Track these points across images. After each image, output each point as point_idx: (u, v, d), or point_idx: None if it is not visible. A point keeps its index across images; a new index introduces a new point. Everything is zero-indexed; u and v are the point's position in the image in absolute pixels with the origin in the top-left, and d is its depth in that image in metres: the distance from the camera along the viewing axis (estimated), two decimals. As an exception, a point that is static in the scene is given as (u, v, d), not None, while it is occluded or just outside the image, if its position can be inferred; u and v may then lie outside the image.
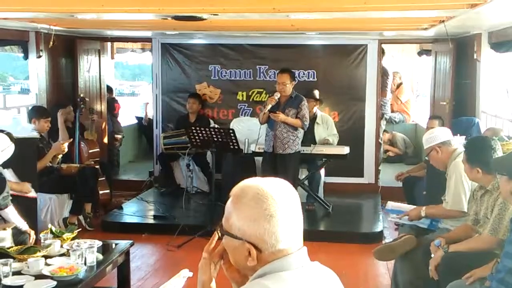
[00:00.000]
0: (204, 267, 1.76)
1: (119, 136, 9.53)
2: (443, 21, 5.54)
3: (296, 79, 6.69)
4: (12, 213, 4.42)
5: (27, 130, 6.31)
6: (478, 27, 6.43)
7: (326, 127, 7.43)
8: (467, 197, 4.10)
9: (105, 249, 4.32)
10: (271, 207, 1.55)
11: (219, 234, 1.66)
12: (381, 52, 8.40)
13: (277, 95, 6.30)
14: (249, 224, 1.56)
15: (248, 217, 1.56)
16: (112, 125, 9.50)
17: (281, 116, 6.27)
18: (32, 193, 5.20)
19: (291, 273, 1.55)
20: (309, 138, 7.08)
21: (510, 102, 6.42)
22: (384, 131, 9.71)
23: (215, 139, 6.40)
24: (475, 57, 6.82)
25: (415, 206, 4.69)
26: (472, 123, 6.57)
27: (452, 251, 3.74)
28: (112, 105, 9.62)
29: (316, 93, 7.45)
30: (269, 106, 6.29)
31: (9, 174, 5.06)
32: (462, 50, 7.37)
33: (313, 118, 7.22)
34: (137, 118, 10.77)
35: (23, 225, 4.46)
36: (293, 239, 1.59)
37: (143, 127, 10.29)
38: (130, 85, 16.07)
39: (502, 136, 5.42)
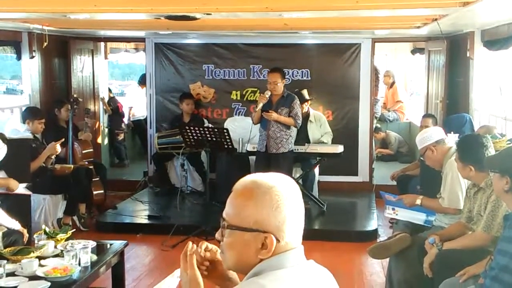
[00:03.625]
0: (190, 264, 1.75)
1: (120, 132, 9.74)
2: (435, 19, 5.55)
3: (286, 77, 6.68)
4: (1, 217, 4.40)
5: (21, 131, 6.30)
6: (471, 25, 6.45)
7: (319, 125, 7.44)
8: (464, 195, 4.11)
9: (99, 250, 4.31)
10: (285, 194, 1.58)
11: (224, 229, 1.64)
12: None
13: (267, 93, 6.31)
14: (269, 213, 1.56)
15: (267, 205, 1.56)
16: (113, 124, 9.62)
17: (274, 115, 6.27)
18: (22, 190, 5.17)
19: (287, 272, 1.55)
20: (302, 136, 7.09)
21: (503, 99, 6.44)
22: (377, 128, 9.74)
23: (209, 138, 6.39)
24: (468, 55, 6.83)
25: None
26: (464, 120, 6.56)
27: (446, 249, 3.76)
28: (115, 104, 9.78)
29: (305, 93, 7.37)
30: (260, 105, 6.29)
31: (1, 176, 5.05)
32: (455, 48, 7.38)
33: (306, 117, 7.22)
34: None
35: (15, 225, 4.44)
36: (297, 234, 1.61)
37: (137, 127, 10.29)
38: (119, 85, 15.99)
39: (495, 134, 5.44)
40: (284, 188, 1.59)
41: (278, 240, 1.56)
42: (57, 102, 7.17)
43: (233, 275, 1.81)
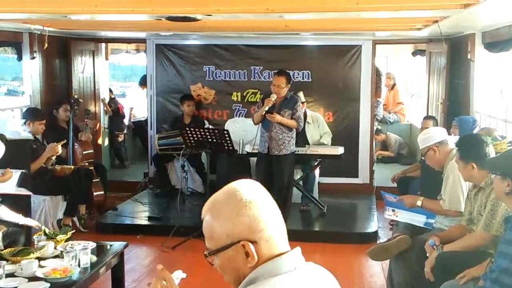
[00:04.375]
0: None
1: (120, 133, 9.74)
2: (436, 21, 5.55)
3: (291, 81, 6.66)
4: (4, 213, 4.40)
5: (21, 134, 6.30)
6: (471, 27, 6.45)
7: (317, 125, 7.43)
8: (465, 197, 4.11)
9: (99, 251, 4.31)
10: (245, 195, 1.56)
11: (211, 262, 1.63)
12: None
13: (273, 97, 6.27)
14: (234, 220, 1.55)
15: (229, 214, 1.55)
16: (113, 125, 9.63)
17: (278, 117, 6.26)
18: (15, 189, 5.17)
19: (284, 278, 1.52)
20: (301, 138, 7.06)
21: (504, 102, 6.44)
22: (378, 130, 9.73)
23: (210, 140, 6.39)
24: (469, 57, 6.83)
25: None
26: (475, 122, 6.53)
27: (446, 251, 3.75)
28: (116, 105, 9.81)
29: (301, 95, 7.24)
30: (266, 108, 6.27)
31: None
32: (456, 50, 7.38)
33: (303, 119, 7.18)
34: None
35: (20, 220, 4.45)
36: (277, 230, 1.58)
37: (137, 128, 10.30)
38: (121, 86, 16.01)
39: (496, 136, 5.44)
40: (244, 192, 1.58)
41: (255, 242, 1.54)
42: (55, 103, 7.18)
43: None
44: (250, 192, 1.58)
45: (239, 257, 1.55)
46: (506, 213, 3.39)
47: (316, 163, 7.26)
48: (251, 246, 1.53)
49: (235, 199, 1.56)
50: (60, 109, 7.04)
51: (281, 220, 1.62)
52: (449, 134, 6.01)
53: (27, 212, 5.53)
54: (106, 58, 9.84)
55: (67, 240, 4.32)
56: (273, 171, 6.30)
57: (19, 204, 5.20)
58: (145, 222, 6.87)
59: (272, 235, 1.56)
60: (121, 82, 17.98)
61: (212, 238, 1.59)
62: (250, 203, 1.55)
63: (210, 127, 7.62)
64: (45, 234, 4.31)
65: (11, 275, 3.74)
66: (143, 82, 9.83)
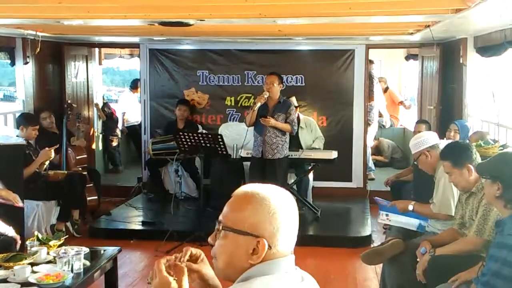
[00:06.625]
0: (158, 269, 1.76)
1: (114, 138, 9.74)
2: (428, 26, 5.59)
3: (284, 83, 6.69)
4: None
5: (12, 137, 6.28)
6: (463, 31, 6.48)
7: (310, 130, 7.46)
8: (455, 201, 4.12)
9: (92, 256, 4.29)
10: (281, 208, 1.61)
11: (218, 231, 1.65)
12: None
13: (265, 94, 6.33)
14: (266, 219, 1.58)
15: (266, 212, 1.59)
16: (107, 130, 9.62)
17: (272, 121, 6.29)
18: (19, 203, 5.14)
19: (275, 278, 1.56)
20: (294, 143, 7.07)
21: (496, 105, 6.47)
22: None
23: (203, 144, 6.40)
24: (461, 61, 6.86)
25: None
26: (469, 128, 6.54)
27: (438, 254, 3.76)
28: (110, 110, 9.83)
29: (294, 100, 7.24)
30: (258, 104, 6.30)
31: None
32: (448, 54, 7.42)
33: (297, 123, 7.20)
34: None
35: (9, 231, 4.43)
36: (289, 244, 1.63)
37: (131, 133, 10.29)
38: (119, 91, 16.04)
39: (488, 140, 5.46)
40: (281, 200, 1.62)
41: (269, 247, 1.58)
42: (42, 110, 7.17)
43: (215, 281, 1.81)
44: (287, 206, 1.64)
45: (245, 249, 1.58)
46: (497, 217, 3.40)
47: (310, 167, 7.27)
48: (266, 247, 1.57)
49: (274, 204, 1.60)
50: (40, 119, 7.01)
51: (296, 235, 1.66)
52: (445, 137, 6.05)
53: (20, 218, 5.52)
54: (100, 63, 9.86)
55: (60, 246, 4.30)
56: (267, 175, 6.31)
57: (12, 209, 5.18)
58: (138, 227, 6.87)
59: (284, 249, 1.61)
60: (119, 87, 17.96)
61: (235, 218, 1.61)
62: (283, 215, 1.61)
63: (204, 131, 7.62)
64: (38, 239, 4.29)
65: (3, 280, 3.72)
66: (134, 86, 9.84)
